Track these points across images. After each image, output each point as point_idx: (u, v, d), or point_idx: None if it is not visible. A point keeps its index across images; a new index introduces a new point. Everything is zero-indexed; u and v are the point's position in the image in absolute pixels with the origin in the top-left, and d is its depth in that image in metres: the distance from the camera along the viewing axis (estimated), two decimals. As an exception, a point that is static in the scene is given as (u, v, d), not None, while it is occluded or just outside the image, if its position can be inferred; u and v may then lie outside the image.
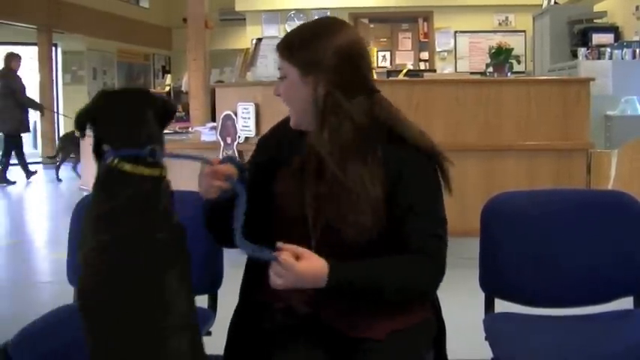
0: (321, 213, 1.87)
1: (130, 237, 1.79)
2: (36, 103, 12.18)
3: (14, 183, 11.01)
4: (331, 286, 1.74)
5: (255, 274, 1.94)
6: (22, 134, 11.29)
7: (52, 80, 14.24)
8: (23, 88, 11.28)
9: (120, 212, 1.81)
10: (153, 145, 1.89)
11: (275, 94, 1.95)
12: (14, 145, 11.10)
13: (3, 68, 11.22)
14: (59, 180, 11.25)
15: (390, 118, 1.91)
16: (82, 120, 1.93)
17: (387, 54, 14.55)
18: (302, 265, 1.71)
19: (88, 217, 1.86)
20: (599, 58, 8.29)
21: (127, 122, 1.91)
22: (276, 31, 13.28)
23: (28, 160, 11.64)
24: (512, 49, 8.70)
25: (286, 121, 1.99)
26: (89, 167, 9.27)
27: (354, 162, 1.84)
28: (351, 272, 1.78)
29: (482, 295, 2.43)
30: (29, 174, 11.35)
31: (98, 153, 1.92)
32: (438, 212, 1.89)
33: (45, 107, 12.69)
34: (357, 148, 1.85)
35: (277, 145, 2.01)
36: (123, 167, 1.83)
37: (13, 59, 11.29)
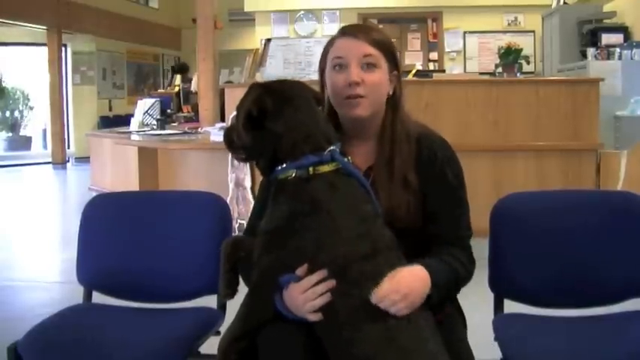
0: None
1: None
2: None
3: None
4: (437, 284, 1.81)
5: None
6: None
7: (62, 81, 14.26)
8: None
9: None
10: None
11: (354, 78, 1.93)
12: None
13: None
14: None
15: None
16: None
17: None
18: (401, 274, 1.76)
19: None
20: (608, 59, 8.25)
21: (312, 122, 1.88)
22: (286, 32, 13.28)
23: (39, 161, 11.60)
24: (522, 49, 8.69)
25: None
26: (100, 167, 9.29)
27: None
28: (435, 266, 1.87)
29: (491, 296, 2.43)
30: None
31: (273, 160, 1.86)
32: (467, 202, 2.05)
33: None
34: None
35: None
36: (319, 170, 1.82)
37: None
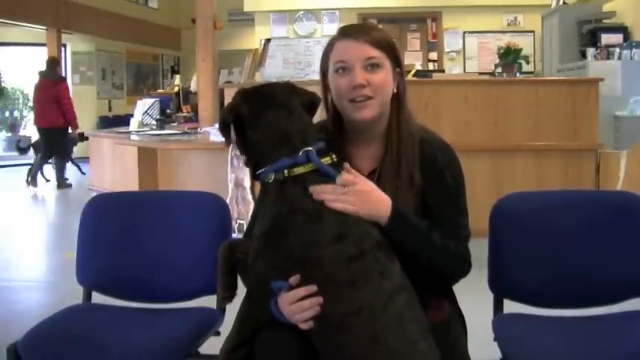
0: None
1: None
2: None
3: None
4: (395, 215, 1.82)
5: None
6: None
7: (61, 81, 14.24)
8: None
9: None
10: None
11: (360, 81, 1.90)
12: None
13: None
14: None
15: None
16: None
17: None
18: (368, 183, 1.82)
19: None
20: (608, 59, 8.26)
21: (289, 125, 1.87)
22: (285, 32, 13.28)
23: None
24: (521, 49, 8.69)
25: None
26: (99, 167, 9.30)
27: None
28: (409, 214, 1.88)
29: (491, 296, 2.43)
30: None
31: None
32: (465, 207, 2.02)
33: None
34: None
35: None
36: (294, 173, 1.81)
37: None
